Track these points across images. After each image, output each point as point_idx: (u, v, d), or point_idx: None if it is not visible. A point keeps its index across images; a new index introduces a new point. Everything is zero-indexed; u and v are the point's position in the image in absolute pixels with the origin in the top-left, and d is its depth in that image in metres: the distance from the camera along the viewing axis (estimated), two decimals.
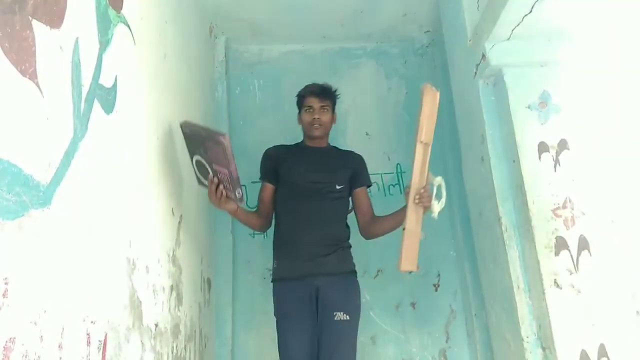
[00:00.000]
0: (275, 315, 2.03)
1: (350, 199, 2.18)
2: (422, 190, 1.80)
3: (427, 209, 1.81)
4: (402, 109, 3.08)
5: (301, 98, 2.20)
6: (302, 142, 2.26)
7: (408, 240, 1.80)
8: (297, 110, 2.24)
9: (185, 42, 2.15)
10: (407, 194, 1.84)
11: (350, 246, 2.13)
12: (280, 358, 1.95)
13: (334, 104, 2.21)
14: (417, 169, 1.82)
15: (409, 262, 1.79)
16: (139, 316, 1.28)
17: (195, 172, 1.67)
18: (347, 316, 1.92)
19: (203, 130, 1.58)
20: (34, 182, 0.81)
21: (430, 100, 1.80)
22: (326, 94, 2.17)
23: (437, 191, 1.81)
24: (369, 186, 2.22)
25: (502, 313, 2.11)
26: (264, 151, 2.24)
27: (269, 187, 2.16)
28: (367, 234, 2.15)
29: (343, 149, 2.33)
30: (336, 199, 2.10)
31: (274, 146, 2.25)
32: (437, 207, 1.80)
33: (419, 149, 1.83)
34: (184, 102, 2.03)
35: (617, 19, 1.99)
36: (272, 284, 2.08)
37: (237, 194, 1.64)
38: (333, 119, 2.22)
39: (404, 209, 1.88)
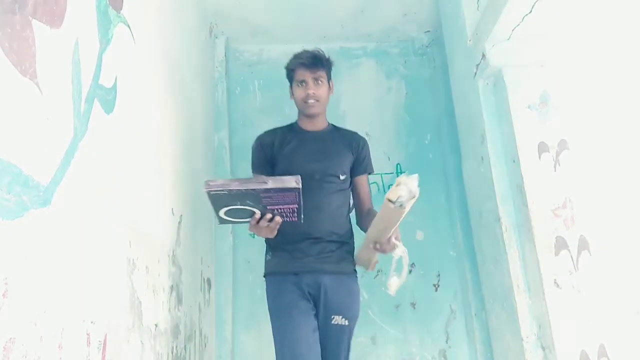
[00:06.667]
0: (270, 311, 1.81)
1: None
2: (384, 243, 1.61)
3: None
4: (402, 109, 3.09)
5: (291, 71, 1.94)
6: (297, 123, 2.00)
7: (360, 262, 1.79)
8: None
9: (185, 42, 2.15)
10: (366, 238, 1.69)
11: (353, 241, 1.95)
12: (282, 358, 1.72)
13: (329, 72, 1.95)
14: (379, 226, 1.59)
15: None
16: (139, 316, 1.28)
17: (219, 216, 1.54)
18: (347, 321, 1.79)
19: (258, 184, 1.43)
20: (34, 182, 0.81)
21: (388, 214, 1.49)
22: (319, 63, 1.90)
23: (398, 264, 1.59)
24: (369, 174, 2.00)
25: (502, 313, 2.11)
26: (257, 137, 1.99)
27: None
28: (362, 226, 1.93)
29: (344, 128, 2.08)
30: (339, 191, 1.90)
31: (267, 132, 1.99)
32: (395, 283, 1.60)
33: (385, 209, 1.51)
34: (184, 101, 2.03)
35: (617, 19, 1.99)
36: (264, 278, 1.87)
37: (301, 219, 1.61)
38: (330, 90, 1.96)
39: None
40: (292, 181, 1.44)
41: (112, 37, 1.20)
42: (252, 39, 3.10)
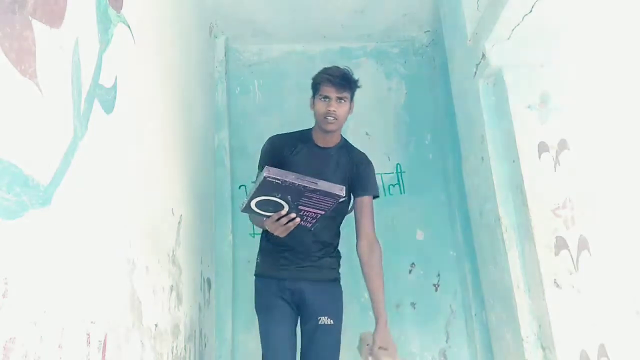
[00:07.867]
0: (256, 309, 1.96)
1: (350, 204, 2.00)
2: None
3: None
4: (402, 109, 3.09)
5: (317, 84, 1.92)
6: (311, 134, 2.00)
7: None
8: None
9: (185, 42, 2.15)
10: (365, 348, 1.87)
11: (339, 252, 2.03)
12: (263, 350, 1.89)
13: (353, 93, 1.93)
14: None
15: None
16: (139, 316, 1.28)
17: (249, 204, 1.60)
18: (332, 320, 1.90)
19: (310, 182, 1.52)
20: (34, 182, 0.81)
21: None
22: (346, 84, 1.88)
23: None
24: (375, 197, 1.99)
25: (502, 313, 2.11)
26: (268, 138, 2.02)
27: None
28: (360, 262, 1.97)
29: (356, 147, 2.07)
30: None
31: (279, 135, 2.02)
32: None
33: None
34: (184, 101, 2.03)
35: (617, 19, 1.99)
36: (254, 277, 2.01)
37: (313, 227, 1.70)
38: (350, 110, 1.95)
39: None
40: (339, 190, 1.55)
41: (112, 37, 1.20)
42: (252, 39, 3.10)
